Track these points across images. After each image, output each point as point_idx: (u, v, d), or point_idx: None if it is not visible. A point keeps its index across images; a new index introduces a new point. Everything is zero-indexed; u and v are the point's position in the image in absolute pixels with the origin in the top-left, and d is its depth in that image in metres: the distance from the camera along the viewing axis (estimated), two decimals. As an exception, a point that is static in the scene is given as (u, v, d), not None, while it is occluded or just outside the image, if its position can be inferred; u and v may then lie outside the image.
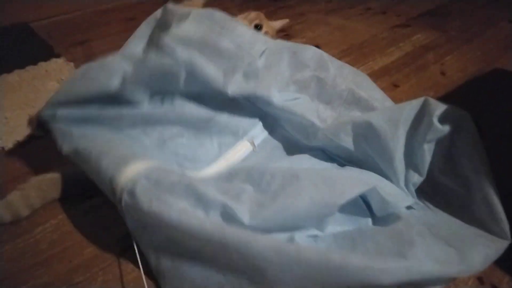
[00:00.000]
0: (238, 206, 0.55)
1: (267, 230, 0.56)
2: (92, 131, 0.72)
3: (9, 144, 0.96)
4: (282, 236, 0.57)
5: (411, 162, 0.68)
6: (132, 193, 0.56)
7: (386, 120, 0.69)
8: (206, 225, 0.51)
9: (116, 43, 1.57)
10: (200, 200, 0.55)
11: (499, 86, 1.20)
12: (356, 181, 0.60)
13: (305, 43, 1.47)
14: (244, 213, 0.55)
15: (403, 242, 0.56)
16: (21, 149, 0.96)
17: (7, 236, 0.72)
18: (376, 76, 1.26)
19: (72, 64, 1.32)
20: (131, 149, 0.66)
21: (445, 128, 0.65)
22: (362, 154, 0.72)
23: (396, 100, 1.22)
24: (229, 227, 0.51)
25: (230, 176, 0.63)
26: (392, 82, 1.24)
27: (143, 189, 0.56)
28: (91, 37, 1.54)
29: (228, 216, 0.54)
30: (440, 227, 0.61)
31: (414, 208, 0.66)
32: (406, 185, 0.68)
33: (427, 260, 0.53)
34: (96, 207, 0.77)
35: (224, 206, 0.54)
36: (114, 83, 0.72)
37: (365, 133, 0.70)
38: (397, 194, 0.64)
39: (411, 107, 0.69)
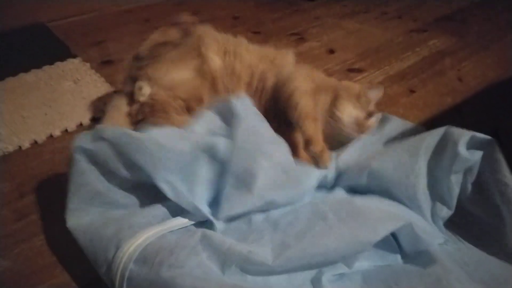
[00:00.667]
0: (259, 249, 0.54)
1: (292, 269, 0.54)
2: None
3: (25, 143, 0.97)
4: (308, 275, 0.55)
5: (437, 194, 0.65)
6: (140, 261, 0.54)
7: (405, 151, 0.66)
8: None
9: (132, 44, 1.60)
10: (216, 252, 0.54)
11: (518, 93, 1.18)
12: (388, 215, 0.57)
13: (320, 47, 1.47)
14: (266, 254, 0.53)
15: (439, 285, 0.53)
16: (38, 148, 0.97)
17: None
18: (391, 81, 1.25)
19: (88, 64, 1.34)
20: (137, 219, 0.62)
21: (473, 157, 0.62)
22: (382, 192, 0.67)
23: (413, 105, 1.23)
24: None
25: (248, 221, 0.61)
26: (408, 87, 1.22)
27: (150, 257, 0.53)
28: (107, 38, 1.56)
29: (249, 262, 0.53)
30: (477, 267, 0.58)
31: (445, 244, 0.63)
32: (434, 219, 0.65)
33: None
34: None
35: (241, 254, 0.53)
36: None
37: (379, 179, 0.67)
38: (430, 231, 0.61)
39: (432, 137, 0.67)
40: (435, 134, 0.67)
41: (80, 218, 0.62)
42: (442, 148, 0.65)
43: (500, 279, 0.56)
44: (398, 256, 0.60)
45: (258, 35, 1.58)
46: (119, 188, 0.63)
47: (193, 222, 0.60)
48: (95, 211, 0.62)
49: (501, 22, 1.66)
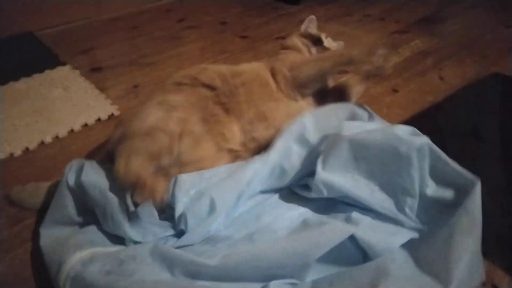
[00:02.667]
0: (208, 259, 0.59)
1: (239, 277, 0.59)
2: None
3: (17, 151, 0.98)
4: (256, 286, 0.59)
5: (397, 188, 0.69)
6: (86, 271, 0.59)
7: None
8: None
9: (120, 51, 1.62)
10: (166, 259, 0.61)
11: (498, 91, 1.22)
12: (334, 231, 0.61)
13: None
14: (212, 259, 0.59)
15: (379, 274, 0.58)
16: (29, 155, 0.98)
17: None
18: (376, 81, 1.28)
19: (77, 72, 1.35)
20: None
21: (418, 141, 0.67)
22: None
23: (395, 104, 1.27)
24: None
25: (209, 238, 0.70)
26: (391, 87, 1.26)
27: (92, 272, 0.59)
28: (96, 45, 1.57)
29: (195, 264, 0.60)
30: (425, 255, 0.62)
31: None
32: (402, 212, 0.68)
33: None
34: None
35: (188, 258, 0.60)
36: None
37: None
38: (385, 235, 0.65)
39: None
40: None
41: (51, 234, 0.70)
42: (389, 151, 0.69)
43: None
44: (360, 260, 0.64)
45: (245, 39, 1.61)
46: (87, 215, 0.72)
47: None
48: (64, 229, 0.70)
49: (479, 22, 1.72)
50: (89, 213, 0.71)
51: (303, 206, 0.75)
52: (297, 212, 0.74)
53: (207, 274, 0.59)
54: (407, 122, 1.10)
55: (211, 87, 0.82)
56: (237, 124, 0.80)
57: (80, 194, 0.70)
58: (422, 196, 0.68)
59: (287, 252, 0.59)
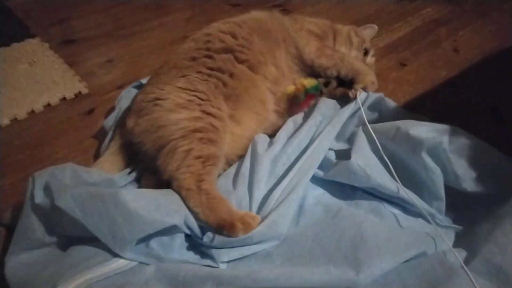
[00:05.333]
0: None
1: None
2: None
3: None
4: None
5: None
6: None
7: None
8: None
9: (97, 21, 1.46)
10: (172, 281, 0.54)
11: (519, 65, 1.07)
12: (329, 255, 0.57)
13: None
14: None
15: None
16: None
17: None
18: (381, 54, 1.13)
19: (47, 45, 1.21)
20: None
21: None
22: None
23: (403, 80, 1.11)
24: None
25: None
26: (399, 60, 1.11)
27: None
28: (71, 15, 1.42)
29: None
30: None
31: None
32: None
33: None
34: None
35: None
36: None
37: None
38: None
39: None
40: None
41: (19, 261, 0.57)
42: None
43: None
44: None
45: (237, 7, 1.44)
46: (61, 234, 0.60)
47: (135, 263, 0.57)
48: (34, 254, 0.58)
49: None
50: (63, 230, 0.59)
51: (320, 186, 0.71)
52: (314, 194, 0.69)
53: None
54: (416, 100, 0.96)
55: (226, 50, 0.77)
56: (264, 83, 0.79)
57: (53, 214, 0.57)
58: (461, 193, 0.65)
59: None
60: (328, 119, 0.77)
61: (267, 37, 0.82)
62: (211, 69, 0.75)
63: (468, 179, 0.63)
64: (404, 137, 0.66)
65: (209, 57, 0.76)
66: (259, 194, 0.64)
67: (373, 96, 0.80)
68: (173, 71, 0.75)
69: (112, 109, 0.90)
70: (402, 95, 0.97)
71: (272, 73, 0.80)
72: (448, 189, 0.65)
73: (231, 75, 0.75)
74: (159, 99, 0.70)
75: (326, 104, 0.80)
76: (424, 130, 0.65)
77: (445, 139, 0.64)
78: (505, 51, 1.13)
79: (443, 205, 0.64)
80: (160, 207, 0.56)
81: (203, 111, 0.68)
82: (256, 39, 0.80)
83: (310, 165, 0.68)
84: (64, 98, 0.99)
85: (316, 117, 0.77)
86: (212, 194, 0.60)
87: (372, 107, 0.81)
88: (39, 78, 1.05)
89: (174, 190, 0.62)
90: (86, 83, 1.04)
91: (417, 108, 0.91)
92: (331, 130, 0.74)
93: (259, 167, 0.66)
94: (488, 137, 0.82)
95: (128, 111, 0.79)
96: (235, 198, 0.64)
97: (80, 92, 1.01)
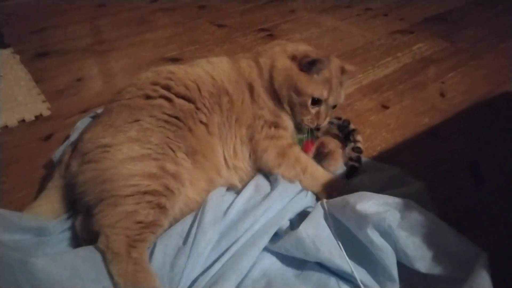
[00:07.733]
0: None
1: None
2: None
3: None
4: None
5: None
6: None
7: None
8: None
9: (78, 34, 1.41)
10: None
11: (507, 116, 1.01)
12: None
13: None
14: None
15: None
16: None
17: None
18: (363, 93, 1.08)
19: (18, 57, 1.16)
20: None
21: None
22: None
23: (383, 124, 1.02)
24: None
25: None
26: (381, 101, 1.06)
27: None
28: (51, 25, 1.37)
29: None
30: None
31: None
32: None
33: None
34: None
35: None
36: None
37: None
38: None
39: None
40: None
41: None
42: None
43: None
44: None
45: (223, 28, 1.40)
46: None
47: None
48: None
49: (500, 26, 1.47)
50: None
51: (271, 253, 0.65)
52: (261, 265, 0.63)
53: None
54: (393, 150, 0.91)
55: (187, 99, 0.70)
56: (221, 148, 0.73)
57: None
58: (415, 273, 0.58)
59: None
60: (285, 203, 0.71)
61: (229, 115, 0.74)
62: (169, 115, 0.67)
63: (420, 259, 0.57)
64: (351, 212, 0.60)
65: (167, 99, 0.69)
66: (195, 270, 0.59)
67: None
68: (125, 111, 0.67)
69: (68, 137, 0.85)
70: (378, 142, 0.92)
71: (231, 147, 0.74)
72: (406, 268, 0.59)
73: (190, 130, 0.69)
74: (109, 146, 0.62)
75: (286, 190, 0.72)
76: (371, 204, 0.60)
77: (391, 215, 0.58)
78: (494, 99, 1.07)
79: (396, 286, 0.58)
80: (75, 275, 0.50)
81: (160, 168, 0.62)
82: (218, 110, 0.73)
83: (259, 237, 0.62)
84: (24, 120, 0.94)
85: (275, 199, 0.70)
86: (141, 265, 0.55)
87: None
88: (1, 95, 1.00)
89: (98, 248, 0.56)
90: (50, 103, 0.99)
91: (392, 158, 0.86)
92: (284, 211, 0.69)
93: (202, 239, 0.60)
94: (465, 197, 0.77)
95: (75, 145, 0.71)
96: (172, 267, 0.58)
97: (41, 114, 0.96)
